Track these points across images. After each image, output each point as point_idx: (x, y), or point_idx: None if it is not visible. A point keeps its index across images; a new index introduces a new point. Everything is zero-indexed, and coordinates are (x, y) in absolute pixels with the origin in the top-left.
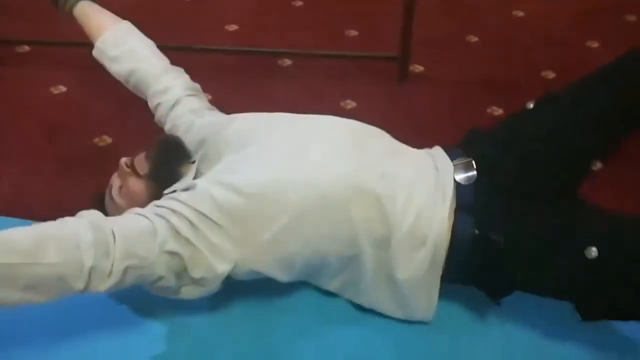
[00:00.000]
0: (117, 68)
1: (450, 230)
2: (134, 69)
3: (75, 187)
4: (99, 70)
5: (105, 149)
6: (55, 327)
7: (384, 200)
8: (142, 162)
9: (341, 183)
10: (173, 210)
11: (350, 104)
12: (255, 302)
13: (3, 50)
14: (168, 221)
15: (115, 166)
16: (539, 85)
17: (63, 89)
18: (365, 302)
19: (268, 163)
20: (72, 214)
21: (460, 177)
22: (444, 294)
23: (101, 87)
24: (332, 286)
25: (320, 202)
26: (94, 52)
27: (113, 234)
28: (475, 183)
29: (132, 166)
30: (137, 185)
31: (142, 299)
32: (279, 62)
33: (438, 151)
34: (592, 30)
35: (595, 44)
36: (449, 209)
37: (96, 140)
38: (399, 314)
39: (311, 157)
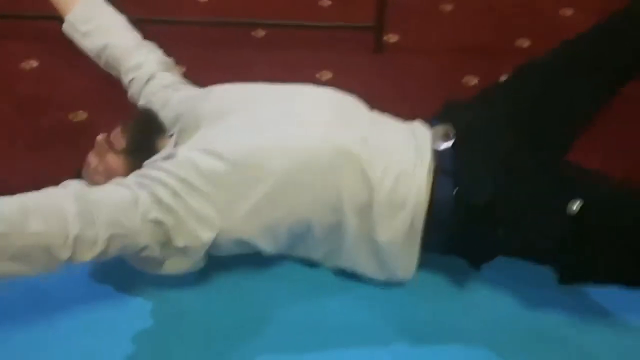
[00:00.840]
0: (88, 44)
1: (428, 193)
2: (106, 45)
3: (51, 162)
4: (71, 44)
5: (81, 125)
6: (41, 302)
7: (365, 165)
8: (118, 138)
9: (324, 148)
10: (154, 179)
11: (326, 75)
12: (240, 274)
13: None
14: (150, 190)
15: (91, 142)
16: (513, 54)
17: (34, 64)
18: (347, 266)
19: (249, 130)
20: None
21: (438, 142)
22: (425, 263)
23: (75, 61)
24: (315, 255)
25: (304, 168)
26: (64, 27)
27: (96, 203)
28: (453, 147)
29: (108, 142)
30: (114, 162)
31: (127, 274)
32: (253, 33)
33: (415, 121)
34: None
35: (569, 12)
36: (427, 173)
37: (71, 116)
38: (380, 275)
39: (293, 123)
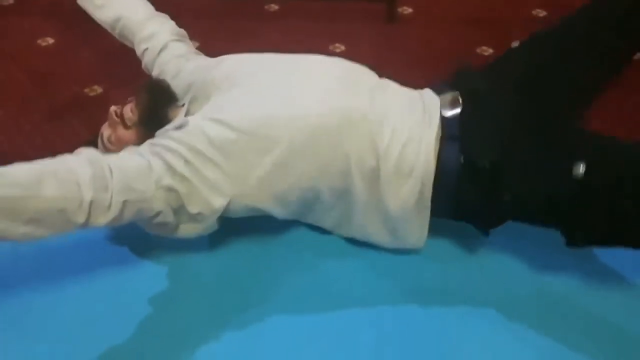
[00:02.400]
0: (102, 15)
1: (436, 159)
2: (120, 16)
3: (67, 134)
4: (86, 20)
5: (96, 99)
6: (54, 266)
7: (372, 131)
8: (131, 109)
9: (332, 115)
10: (167, 147)
11: (339, 47)
12: (252, 239)
13: None
14: (163, 158)
15: (106, 115)
16: (529, 24)
17: (50, 40)
18: (358, 235)
19: (259, 99)
20: None
21: (446, 109)
22: (435, 228)
23: (89, 37)
24: (326, 223)
25: (312, 135)
26: (79, 0)
27: (110, 169)
28: (461, 114)
29: (121, 114)
30: (127, 133)
31: (140, 239)
32: (266, 7)
33: (425, 89)
34: None
35: None
36: (435, 139)
37: (86, 90)
38: (391, 243)
39: (302, 92)
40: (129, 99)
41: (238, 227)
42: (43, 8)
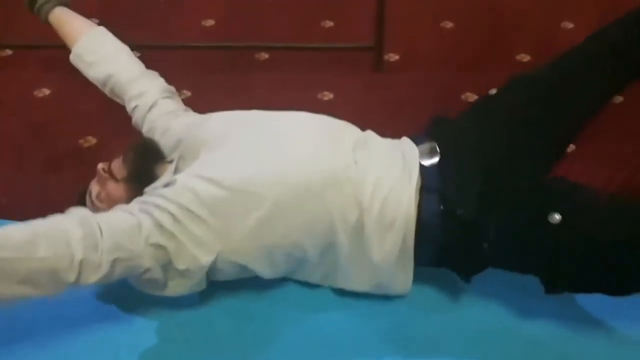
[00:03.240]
0: (94, 73)
1: (416, 210)
2: (111, 74)
3: (62, 186)
4: (80, 72)
5: (91, 149)
6: (46, 322)
7: (356, 188)
8: (119, 167)
9: (317, 173)
10: (156, 205)
11: (327, 96)
12: (241, 296)
13: None
14: (152, 216)
15: (94, 169)
16: (514, 69)
17: (47, 91)
18: (345, 286)
19: (245, 158)
20: (61, 212)
21: (425, 159)
22: (419, 276)
23: (84, 88)
24: (314, 278)
25: (297, 193)
26: (71, 58)
27: (100, 228)
28: (439, 164)
29: (109, 171)
30: (116, 189)
31: (129, 296)
32: (256, 55)
33: (405, 140)
34: (567, 11)
35: (570, 25)
36: (415, 190)
37: (81, 141)
38: (377, 291)
39: (287, 151)
40: (117, 156)
41: (226, 284)
42: (40, 59)
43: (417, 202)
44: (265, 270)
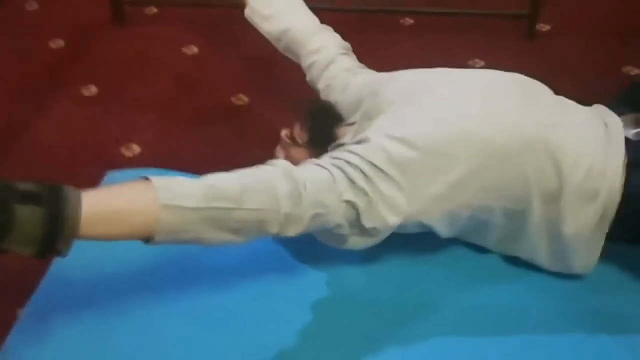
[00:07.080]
0: (269, 27)
1: (622, 185)
2: (288, 28)
3: (212, 140)
4: (229, 30)
5: (243, 108)
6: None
7: (557, 152)
8: (299, 132)
9: (514, 136)
10: (348, 162)
11: (479, 62)
12: (409, 259)
13: (133, 12)
14: (345, 172)
15: (254, 126)
16: None
17: (195, 49)
18: (522, 255)
19: (436, 117)
20: (218, 167)
21: (630, 132)
22: (605, 253)
23: (233, 47)
24: (490, 242)
25: (492, 157)
26: (247, 12)
27: (304, 184)
28: None
29: (292, 137)
30: (300, 154)
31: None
32: (402, 20)
33: (602, 108)
34: None
35: None
36: (622, 164)
37: (233, 99)
38: (555, 267)
39: (481, 110)
40: (295, 124)
41: (392, 242)
42: (185, 17)
43: (623, 174)
44: (444, 230)
